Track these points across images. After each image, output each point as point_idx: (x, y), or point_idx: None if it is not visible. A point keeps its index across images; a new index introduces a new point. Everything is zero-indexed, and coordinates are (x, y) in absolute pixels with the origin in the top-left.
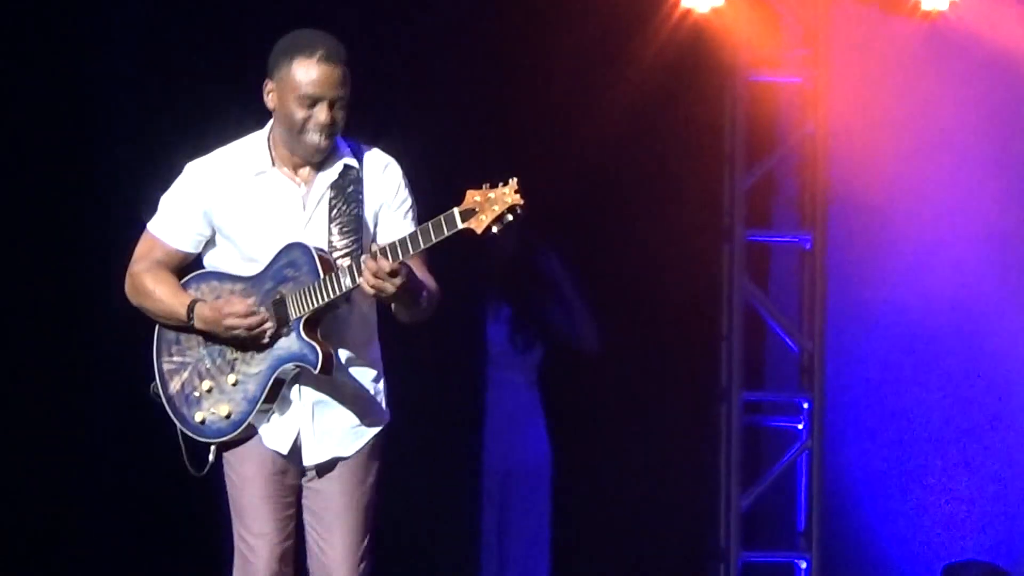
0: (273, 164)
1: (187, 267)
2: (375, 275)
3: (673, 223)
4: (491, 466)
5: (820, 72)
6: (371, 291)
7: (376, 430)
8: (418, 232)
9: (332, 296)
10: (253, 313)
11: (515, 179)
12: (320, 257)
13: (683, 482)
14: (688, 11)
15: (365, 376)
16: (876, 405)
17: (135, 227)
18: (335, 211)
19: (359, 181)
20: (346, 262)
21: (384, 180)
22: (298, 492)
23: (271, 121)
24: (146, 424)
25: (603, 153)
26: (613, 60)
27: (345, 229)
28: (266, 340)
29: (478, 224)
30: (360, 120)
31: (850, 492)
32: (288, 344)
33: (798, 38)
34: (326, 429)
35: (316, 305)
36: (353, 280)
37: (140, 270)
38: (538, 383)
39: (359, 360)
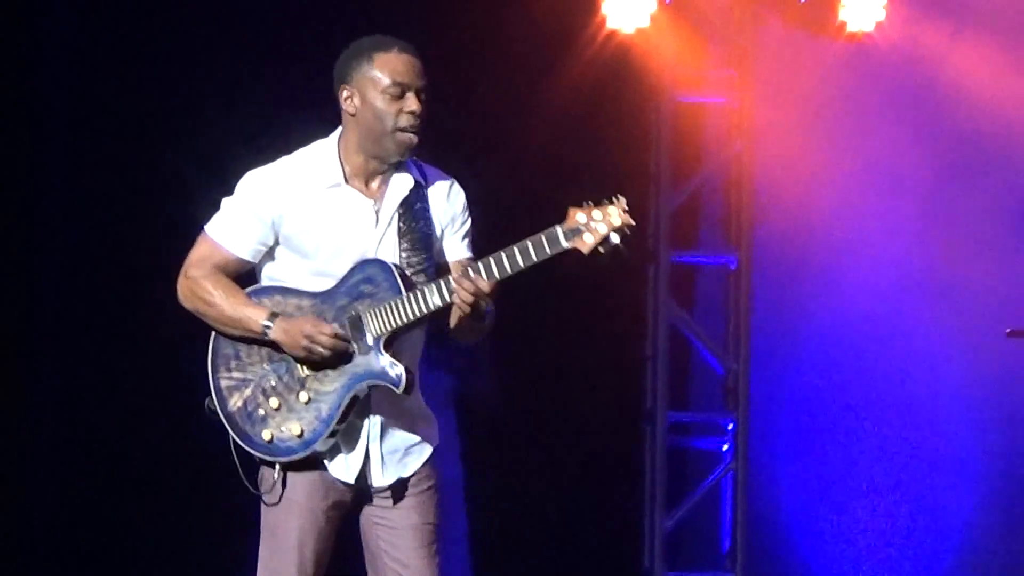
0: (346, 177)
1: (239, 278)
2: (473, 294)
3: None
4: None
5: (746, 93)
6: (466, 309)
7: (433, 446)
8: (516, 250)
9: (419, 314)
10: (338, 336)
11: (623, 198)
12: (401, 275)
13: (608, 502)
14: (614, 32)
15: (419, 397)
16: (803, 426)
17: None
18: (405, 228)
19: (426, 199)
20: (421, 279)
21: (450, 201)
22: (337, 527)
23: (337, 132)
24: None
25: (528, 173)
26: (538, 80)
27: (417, 247)
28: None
29: (583, 245)
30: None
31: (776, 512)
32: (367, 362)
33: (724, 59)
34: (393, 449)
35: (400, 323)
36: (442, 298)
37: (200, 275)
38: (452, 406)
39: (419, 378)
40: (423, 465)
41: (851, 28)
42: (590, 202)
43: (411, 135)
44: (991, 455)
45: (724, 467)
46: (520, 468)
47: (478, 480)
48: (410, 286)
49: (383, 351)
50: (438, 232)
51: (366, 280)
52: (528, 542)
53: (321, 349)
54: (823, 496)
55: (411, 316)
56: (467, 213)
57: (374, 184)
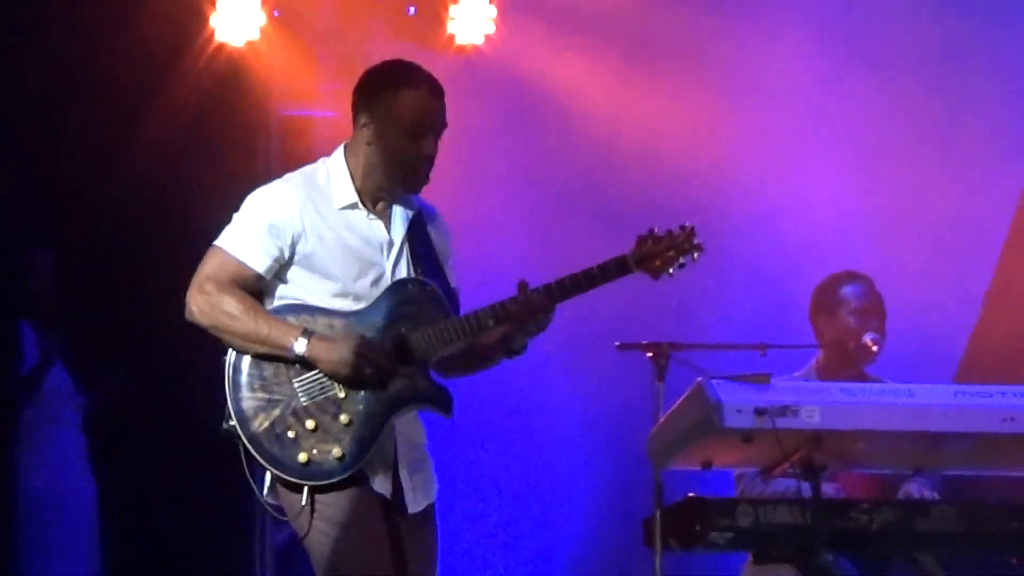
0: (360, 198)
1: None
2: (532, 313)
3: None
4: (35, 494)
5: None
6: (528, 331)
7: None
8: (582, 275)
9: (472, 336)
10: (389, 355)
11: (693, 226)
12: (448, 296)
13: (220, 517)
14: (223, 45)
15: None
16: None
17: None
18: (418, 252)
19: (425, 226)
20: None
21: (440, 226)
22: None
23: (342, 149)
24: None
25: (138, 187)
26: (148, 94)
27: (432, 271)
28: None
29: (653, 271)
30: None
31: None
32: (412, 386)
33: (334, 72)
34: (420, 476)
35: (451, 344)
36: (497, 320)
37: (217, 289)
38: (83, 425)
39: None
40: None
41: (460, 41)
42: (655, 228)
43: (423, 176)
44: (601, 465)
45: None
46: (134, 482)
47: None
48: (456, 308)
49: (429, 374)
50: (443, 258)
51: (407, 301)
52: (145, 553)
53: (370, 370)
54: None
55: (465, 337)
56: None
57: (380, 205)
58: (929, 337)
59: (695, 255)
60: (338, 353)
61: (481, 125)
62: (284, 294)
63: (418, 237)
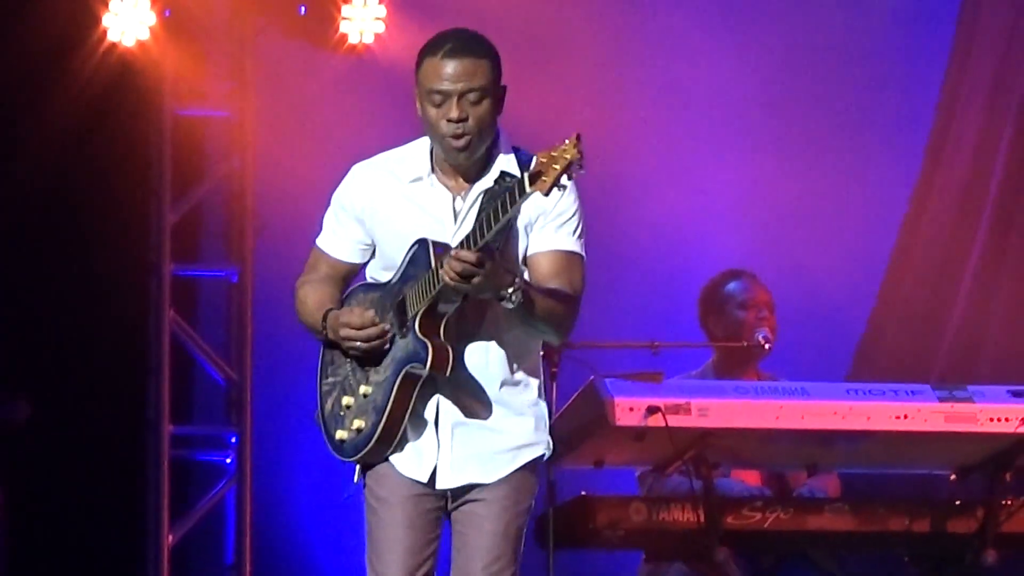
0: (432, 171)
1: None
2: (458, 268)
3: (99, 257)
4: None
5: (246, 106)
6: (450, 283)
7: (531, 457)
8: (489, 209)
9: (436, 288)
10: (367, 325)
11: (578, 134)
12: (436, 248)
13: (112, 517)
14: (114, 44)
15: (517, 397)
16: (308, 436)
17: None
18: (483, 214)
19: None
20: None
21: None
22: (442, 521)
23: None
24: None
25: (28, 187)
26: (38, 93)
27: (493, 239)
28: (386, 347)
29: (541, 186)
30: None
31: (286, 523)
32: (405, 344)
33: (225, 72)
34: (468, 454)
35: (428, 298)
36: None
37: (302, 283)
38: None
39: (510, 380)
40: (516, 473)
41: (351, 40)
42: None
43: (456, 141)
44: None
45: (227, 480)
46: (25, 480)
47: None
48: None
49: (418, 330)
50: (524, 222)
51: (412, 261)
52: (27, 559)
53: (355, 342)
54: (333, 504)
55: (432, 291)
56: (567, 203)
57: (462, 178)
58: (826, 331)
59: (578, 166)
60: (335, 332)
61: (372, 124)
62: (368, 272)
63: (494, 201)
